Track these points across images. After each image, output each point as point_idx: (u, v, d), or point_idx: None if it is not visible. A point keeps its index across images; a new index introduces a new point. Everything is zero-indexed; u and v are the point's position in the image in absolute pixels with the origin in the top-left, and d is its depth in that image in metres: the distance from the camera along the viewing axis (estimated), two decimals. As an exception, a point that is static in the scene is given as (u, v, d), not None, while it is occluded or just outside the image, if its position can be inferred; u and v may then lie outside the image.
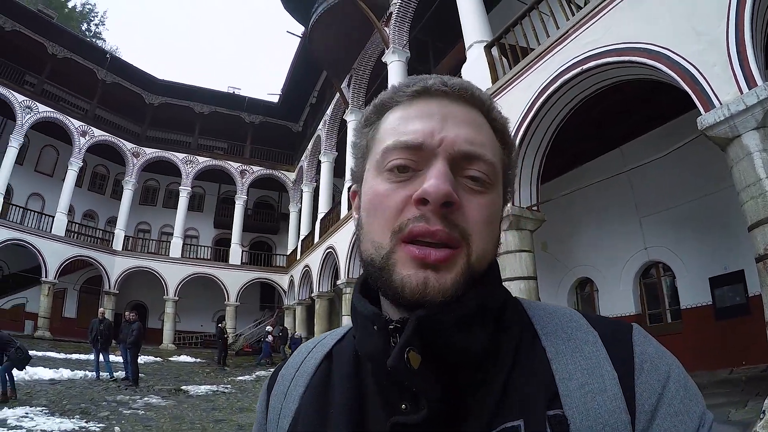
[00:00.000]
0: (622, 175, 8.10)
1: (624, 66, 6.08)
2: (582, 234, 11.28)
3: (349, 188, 0.71)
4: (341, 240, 15.42)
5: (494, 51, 8.68)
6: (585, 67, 6.42)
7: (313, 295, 19.86)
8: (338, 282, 15.65)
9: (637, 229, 10.20)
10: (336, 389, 0.62)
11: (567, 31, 6.87)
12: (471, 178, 0.57)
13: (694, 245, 9.04)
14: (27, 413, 7.97)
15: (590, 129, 9.03)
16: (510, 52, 8.27)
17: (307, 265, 20.17)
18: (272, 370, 0.77)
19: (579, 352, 0.55)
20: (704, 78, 5.05)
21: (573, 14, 7.03)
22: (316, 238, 19.27)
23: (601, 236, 10.94)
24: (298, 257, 23.45)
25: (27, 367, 9.74)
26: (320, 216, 19.16)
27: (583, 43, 6.54)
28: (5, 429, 6.83)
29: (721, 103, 4.87)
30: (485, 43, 8.87)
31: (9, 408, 8.15)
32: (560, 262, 11.71)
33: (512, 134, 0.66)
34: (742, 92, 4.71)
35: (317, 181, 19.28)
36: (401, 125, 0.59)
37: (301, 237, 23.81)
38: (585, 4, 6.96)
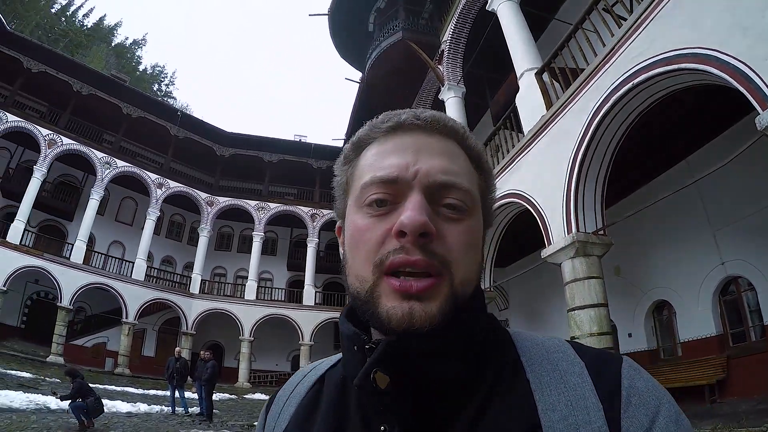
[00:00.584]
0: (690, 187, 7.71)
1: (674, 75, 5.88)
2: (655, 254, 10.76)
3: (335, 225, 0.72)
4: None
5: (545, 77, 8.62)
6: (635, 81, 6.26)
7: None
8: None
9: (711, 243, 9.60)
10: (321, 411, 0.63)
11: (613, 48, 6.76)
12: (448, 207, 0.58)
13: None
14: None
15: (651, 144, 8.77)
16: (561, 76, 8.19)
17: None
18: None
19: (563, 383, 0.53)
20: (757, 74, 4.77)
21: (619, 26, 6.89)
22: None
23: (674, 255, 10.39)
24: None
25: (106, 400, 10.16)
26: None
27: (630, 58, 6.40)
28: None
29: (778, 98, 4.55)
30: (535, 70, 8.84)
31: None
32: (634, 286, 11.18)
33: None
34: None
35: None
36: (377, 161, 0.61)
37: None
38: (629, 15, 6.83)
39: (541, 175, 8.17)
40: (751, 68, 4.83)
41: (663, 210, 9.13)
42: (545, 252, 7.69)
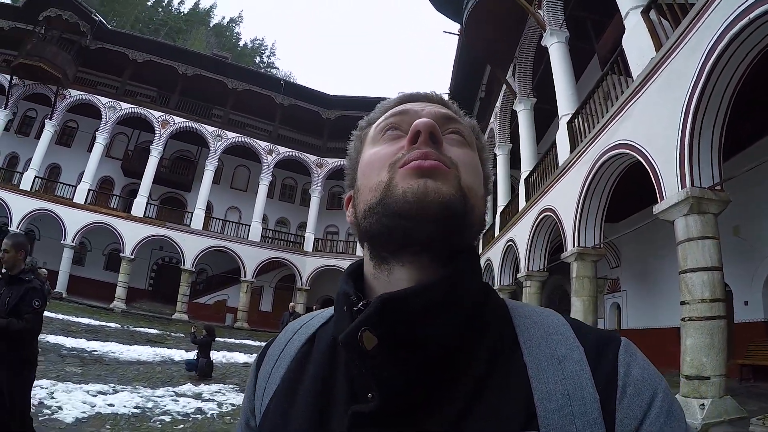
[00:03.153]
0: None
1: None
2: None
3: (343, 197, 0.75)
4: (521, 232, 14.85)
5: (652, 14, 7.79)
6: (752, 15, 5.44)
7: (495, 288, 19.30)
8: (518, 276, 15.25)
9: None
10: (309, 373, 0.62)
11: None
12: (453, 133, 0.63)
13: None
14: (220, 389, 9.16)
15: None
16: (669, 12, 7.36)
17: (488, 259, 19.97)
18: None
19: (561, 370, 0.52)
20: None
21: None
22: (497, 232, 18.88)
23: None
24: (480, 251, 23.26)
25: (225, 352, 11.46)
26: (499, 209, 18.69)
27: None
28: (199, 401, 7.88)
29: None
30: (642, 8, 8.02)
31: (205, 384, 9.38)
32: (754, 249, 10.04)
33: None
34: None
35: (495, 174, 19.08)
36: (396, 108, 0.67)
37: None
38: None
39: (652, 124, 7.47)
40: None
41: None
42: (657, 208, 7.08)
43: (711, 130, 6.53)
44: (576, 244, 10.04)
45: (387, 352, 0.52)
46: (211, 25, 68.22)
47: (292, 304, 15.62)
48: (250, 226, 26.61)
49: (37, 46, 22.82)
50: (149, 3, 62.00)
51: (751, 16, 5.49)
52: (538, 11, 12.86)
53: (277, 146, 28.32)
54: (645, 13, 7.92)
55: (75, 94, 24.75)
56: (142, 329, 17.80)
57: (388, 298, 0.52)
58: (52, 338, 11.58)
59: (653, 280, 13.91)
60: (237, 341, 18.94)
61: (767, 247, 9.88)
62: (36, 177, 23.62)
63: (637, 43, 8.10)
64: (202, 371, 10.13)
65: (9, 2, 25.16)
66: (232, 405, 7.91)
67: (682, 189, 6.56)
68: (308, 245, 28.07)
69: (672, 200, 6.69)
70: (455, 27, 19.75)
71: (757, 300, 10.12)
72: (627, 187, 9.68)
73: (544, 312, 0.62)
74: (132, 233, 23.50)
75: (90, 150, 25.54)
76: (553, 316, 0.60)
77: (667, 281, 12.22)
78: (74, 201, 23.46)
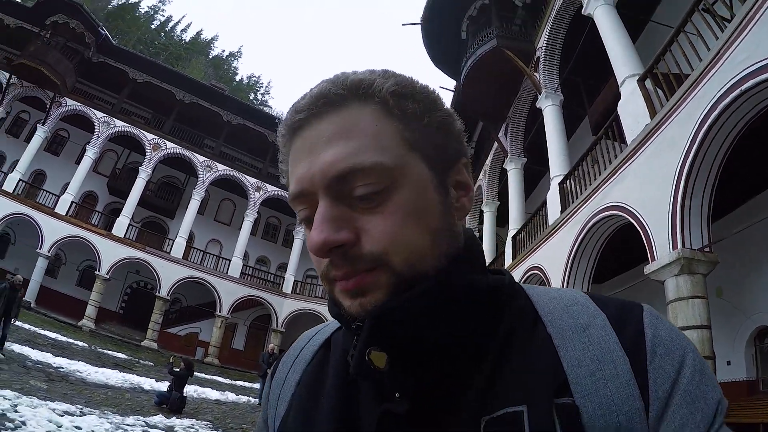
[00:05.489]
0: None
1: None
2: (761, 276, 9.76)
3: None
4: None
5: (648, 83, 8.19)
6: (743, 87, 5.81)
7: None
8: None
9: None
10: (329, 377, 0.61)
11: (717, 52, 6.30)
12: (361, 198, 0.51)
13: None
14: (193, 425, 8.90)
15: (761, 154, 8.13)
16: (664, 82, 7.75)
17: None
18: None
19: (587, 336, 0.52)
20: None
21: (722, 30, 6.46)
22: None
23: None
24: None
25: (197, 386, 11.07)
26: (485, 266, 18.57)
27: (737, 62, 5.95)
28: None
29: None
30: (638, 77, 8.44)
31: (177, 418, 9.10)
32: (737, 309, 10.21)
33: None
34: None
35: (480, 230, 19.19)
36: (291, 172, 0.57)
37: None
38: (731, 14, 6.39)
39: (645, 187, 7.74)
40: None
41: None
42: (648, 268, 7.28)
43: (701, 194, 6.80)
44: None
45: (401, 363, 0.51)
46: (210, 56, 69.28)
47: (272, 345, 15.53)
48: (230, 260, 26.37)
49: (41, 50, 22.69)
50: (153, 26, 62.89)
51: (743, 88, 5.84)
52: (535, 74, 13.35)
53: (266, 184, 28.38)
54: (641, 81, 8.30)
55: (71, 103, 24.64)
56: (110, 352, 17.35)
57: (379, 314, 0.51)
58: (17, 347, 11.28)
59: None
60: (208, 377, 18.54)
61: (749, 308, 10.07)
62: (20, 180, 23.10)
63: (632, 110, 8.43)
64: (174, 405, 9.83)
65: (19, 1, 25.10)
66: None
67: (673, 250, 6.77)
68: (287, 287, 27.79)
69: (663, 261, 6.89)
70: (451, 83, 20.37)
71: (739, 359, 10.24)
72: (612, 249, 9.91)
73: (560, 288, 0.61)
74: (110, 252, 23.09)
75: (78, 162, 25.34)
76: (570, 291, 0.60)
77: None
78: (56, 211, 23.01)
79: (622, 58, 9.07)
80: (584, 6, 10.34)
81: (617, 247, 9.79)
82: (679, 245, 6.71)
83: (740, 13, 6.01)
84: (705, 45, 6.82)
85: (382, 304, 0.51)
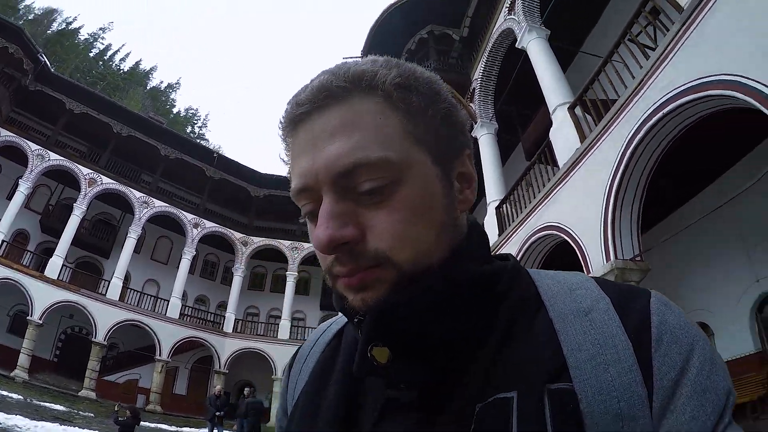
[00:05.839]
0: (724, 208, 7.75)
1: (702, 101, 6.03)
2: (690, 278, 10.63)
3: None
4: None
5: (578, 110, 8.82)
6: (665, 110, 6.42)
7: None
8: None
9: (746, 261, 9.54)
10: (338, 365, 0.62)
11: (642, 79, 6.93)
12: (366, 194, 0.51)
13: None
14: None
15: (682, 169, 8.78)
16: (593, 109, 8.39)
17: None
18: None
19: (589, 320, 0.51)
20: None
21: (646, 58, 7.11)
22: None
23: (710, 276, 10.24)
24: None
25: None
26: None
27: (659, 88, 6.57)
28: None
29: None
30: (568, 105, 9.06)
31: None
32: None
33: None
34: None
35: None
36: (293, 166, 0.56)
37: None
38: (655, 46, 7.03)
39: (577, 207, 8.30)
40: (773, 90, 4.98)
41: (697, 232, 9.08)
42: (584, 281, 7.70)
43: (630, 209, 7.41)
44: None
45: (403, 358, 0.51)
46: (148, 87, 67.81)
47: (219, 387, 15.08)
48: (168, 301, 25.34)
49: None
50: (91, 54, 61.23)
51: (664, 111, 6.48)
52: (471, 104, 13.90)
53: (204, 220, 27.70)
54: (571, 109, 8.95)
55: (4, 133, 22.95)
56: (47, 404, 16.34)
57: (381, 309, 0.51)
58: None
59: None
60: (152, 425, 17.71)
61: (683, 307, 10.34)
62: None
63: (563, 136, 9.03)
64: None
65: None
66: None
67: (607, 262, 7.26)
68: (228, 326, 26.89)
69: (598, 272, 7.35)
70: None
71: None
72: (550, 266, 10.31)
73: (567, 272, 0.61)
74: (43, 295, 21.42)
75: (9, 197, 23.51)
76: (576, 275, 0.60)
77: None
78: None
79: (554, 88, 9.70)
80: (518, 40, 11.03)
81: (554, 264, 10.21)
82: (612, 256, 7.20)
83: (662, 44, 6.68)
84: (630, 73, 7.48)
85: (383, 300, 0.51)
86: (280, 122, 0.57)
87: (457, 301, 0.53)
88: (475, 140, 13.56)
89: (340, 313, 0.68)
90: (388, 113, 0.53)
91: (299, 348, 0.75)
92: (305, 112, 0.54)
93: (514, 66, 11.39)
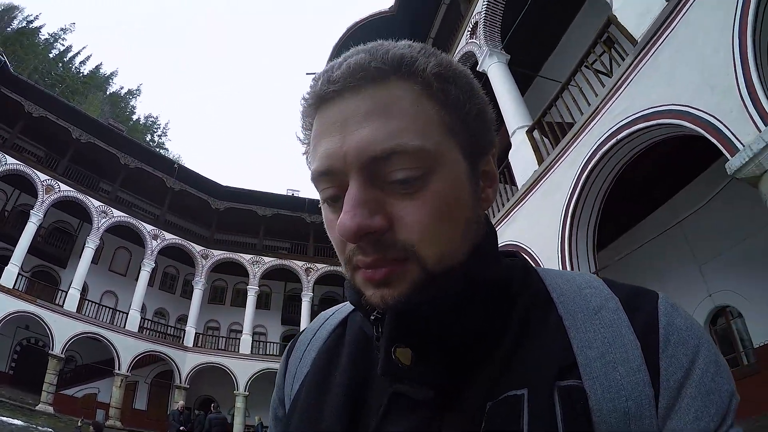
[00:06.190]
0: (675, 228, 8.19)
1: (654, 129, 6.41)
2: None
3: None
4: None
5: (536, 134, 9.15)
6: (619, 137, 6.81)
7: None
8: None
9: (698, 277, 9.98)
10: (344, 355, 0.61)
11: (597, 107, 7.32)
12: (398, 183, 0.49)
13: (760, 282, 8.77)
14: None
15: (635, 191, 9.20)
16: (550, 132, 8.74)
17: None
18: None
19: (598, 319, 0.51)
20: (725, 125, 5.34)
21: (603, 85, 7.47)
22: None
23: (664, 292, 10.41)
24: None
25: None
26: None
27: (614, 115, 6.96)
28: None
29: (743, 146, 5.13)
30: (526, 128, 9.36)
31: None
32: None
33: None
34: (760, 130, 4.97)
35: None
36: (315, 146, 0.53)
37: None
38: (611, 75, 7.41)
39: (536, 226, 8.61)
40: (719, 120, 5.42)
41: (651, 250, 9.46)
42: (542, 298, 8.00)
43: (586, 229, 7.78)
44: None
45: (425, 359, 0.51)
46: (108, 93, 66.01)
47: (181, 402, 15.06)
48: (127, 313, 24.74)
49: None
50: (51, 55, 59.50)
51: (618, 137, 6.89)
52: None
53: (163, 232, 27.18)
54: (530, 132, 9.29)
55: None
56: (4, 418, 15.91)
57: (401, 310, 0.50)
58: None
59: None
60: (113, 441, 17.44)
61: None
62: None
63: (522, 157, 9.37)
64: None
65: None
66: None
67: (563, 280, 7.55)
68: (189, 340, 26.33)
69: (555, 290, 7.63)
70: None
71: None
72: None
73: (575, 272, 0.61)
74: None
75: None
76: (584, 274, 0.60)
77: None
78: None
79: (513, 112, 10.00)
80: (479, 63, 11.33)
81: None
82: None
83: (616, 74, 7.10)
84: (586, 100, 7.88)
85: (406, 300, 0.49)
86: (304, 98, 0.55)
87: (476, 301, 0.52)
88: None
89: (343, 303, 0.71)
90: (425, 102, 0.51)
91: (300, 334, 0.74)
92: (337, 90, 0.51)
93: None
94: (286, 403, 0.67)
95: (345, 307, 0.70)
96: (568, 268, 7.54)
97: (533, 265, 0.61)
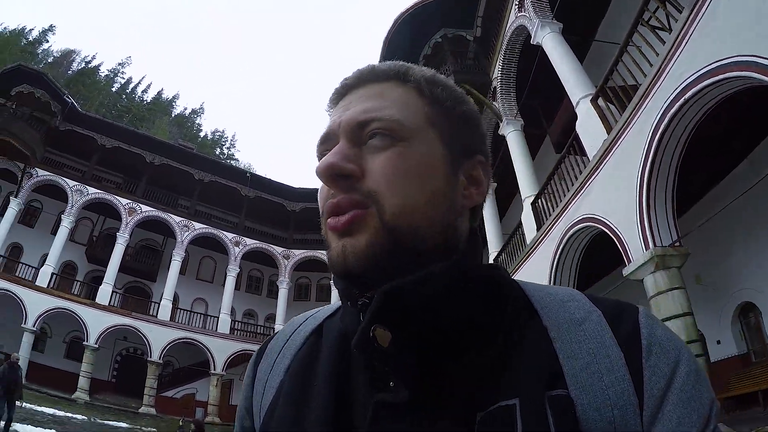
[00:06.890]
0: (758, 185, 7.75)
1: (721, 84, 6.02)
2: (734, 256, 10.39)
3: None
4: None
5: (600, 101, 8.80)
6: (686, 96, 6.45)
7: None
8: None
9: None
10: (322, 363, 0.60)
11: (660, 66, 6.94)
12: (373, 141, 0.56)
13: None
14: None
15: (711, 150, 8.73)
16: (614, 98, 8.40)
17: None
18: None
19: (582, 331, 0.52)
20: None
21: (663, 44, 7.10)
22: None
23: (754, 253, 9.90)
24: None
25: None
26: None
27: (678, 74, 6.59)
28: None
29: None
30: (590, 97, 9.04)
31: None
32: (717, 292, 10.81)
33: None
34: None
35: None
36: (319, 142, 0.62)
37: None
38: (670, 30, 7.02)
39: (611, 197, 8.33)
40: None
41: (736, 210, 8.91)
42: (626, 270, 7.78)
43: (664, 195, 7.39)
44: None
45: (404, 345, 0.51)
46: (173, 115, 69.14)
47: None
48: (218, 317, 26.18)
49: (7, 121, 22.28)
50: (113, 89, 62.76)
51: (686, 97, 6.49)
52: (494, 102, 13.98)
53: (244, 238, 28.46)
54: (594, 101, 8.92)
55: (42, 173, 24.16)
56: (110, 422, 17.09)
57: (389, 290, 0.50)
58: (20, 427, 11.06)
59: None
60: (213, 436, 18.40)
61: (729, 288, 10.65)
62: (-2, 255, 22.37)
63: (589, 128, 9.02)
64: None
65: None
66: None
67: (646, 250, 7.25)
68: (278, 337, 27.45)
69: (639, 261, 7.38)
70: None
71: (728, 337, 10.86)
72: (590, 258, 10.35)
73: (555, 286, 0.63)
74: (96, 321, 22.62)
75: (54, 232, 24.82)
76: (565, 288, 0.61)
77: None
78: (36, 283, 22.32)
79: (574, 81, 9.68)
80: (533, 36, 11.03)
81: (594, 255, 10.27)
82: (651, 244, 7.22)
83: (675, 29, 6.70)
84: (647, 61, 7.50)
85: (363, 255, 0.52)
86: (329, 97, 0.65)
87: (465, 294, 0.54)
88: (503, 139, 13.57)
89: (316, 309, 0.73)
90: (414, 97, 0.60)
91: (269, 340, 0.72)
92: (349, 85, 0.63)
93: (532, 60, 11.33)
94: (256, 414, 0.65)
95: (318, 314, 0.71)
96: (649, 239, 7.27)
97: (514, 279, 0.63)
